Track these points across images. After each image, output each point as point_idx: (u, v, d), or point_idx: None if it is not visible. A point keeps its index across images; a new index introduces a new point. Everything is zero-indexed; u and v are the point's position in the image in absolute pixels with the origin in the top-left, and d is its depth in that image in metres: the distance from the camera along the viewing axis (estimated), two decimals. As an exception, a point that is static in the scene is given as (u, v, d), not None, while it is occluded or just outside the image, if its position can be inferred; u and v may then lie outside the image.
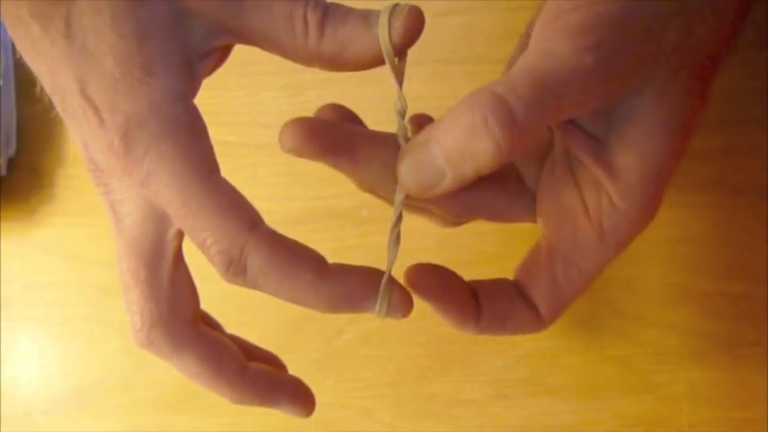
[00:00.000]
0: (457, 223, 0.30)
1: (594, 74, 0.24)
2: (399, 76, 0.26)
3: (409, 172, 0.25)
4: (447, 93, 0.41)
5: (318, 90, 0.42)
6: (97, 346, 0.42)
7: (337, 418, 0.41)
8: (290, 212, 0.42)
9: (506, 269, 0.40)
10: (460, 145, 0.24)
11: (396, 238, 0.27)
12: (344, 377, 0.41)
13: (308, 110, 0.43)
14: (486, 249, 0.40)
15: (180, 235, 0.26)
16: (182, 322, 0.26)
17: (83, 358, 0.42)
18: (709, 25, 0.25)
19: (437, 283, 0.28)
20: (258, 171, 0.42)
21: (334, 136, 0.25)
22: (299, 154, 0.25)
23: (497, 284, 0.29)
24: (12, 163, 0.43)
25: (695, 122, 0.26)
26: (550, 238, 0.28)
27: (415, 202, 0.27)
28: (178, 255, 0.26)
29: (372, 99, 0.40)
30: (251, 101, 0.43)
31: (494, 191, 0.28)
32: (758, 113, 0.40)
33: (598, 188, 0.26)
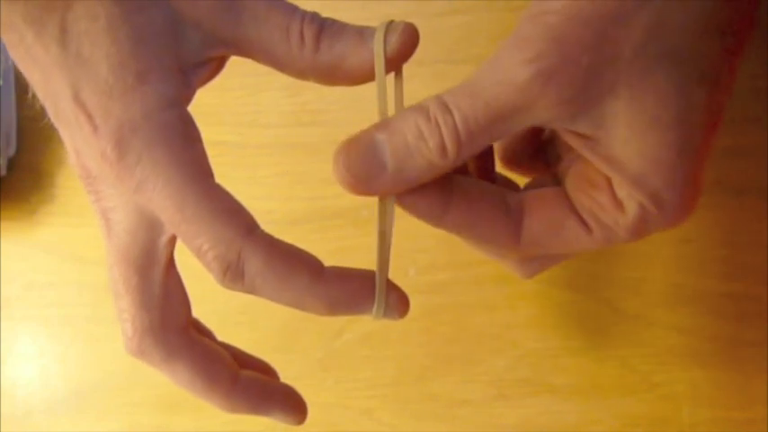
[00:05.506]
0: (529, 270, 0.30)
1: (533, 88, 0.23)
2: (398, 90, 0.26)
3: (349, 161, 0.25)
4: (447, 93, 0.41)
5: (319, 90, 0.42)
6: (97, 346, 0.42)
7: (337, 418, 0.41)
8: (290, 212, 0.42)
9: (506, 269, 0.40)
10: (408, 139, 0.25)
11: (382, 236, 0.26)
12: (344, 377, 0.41)
13: (309, 110, 0.43)
14: (486, 249, 0.40)
15: (172, 242, 0.26)
16: (173, 330, 0.26)
17: (83, 358, 0.42)
18: (692, 10, 0.24)
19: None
20: (258, 171, 0.42)
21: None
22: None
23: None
24: (12, 163, 0.43)
25: (707, 108, 0.24)
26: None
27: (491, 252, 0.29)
28: (170, 262, 0.26)
29: (373, 99, 0.40)
30: (251, 101, 0.43)
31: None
32: (758, 113, 0.40)
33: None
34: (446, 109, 0.24)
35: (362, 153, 0.25)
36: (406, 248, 0.41)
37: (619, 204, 0.25)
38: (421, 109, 0.25)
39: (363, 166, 0.25)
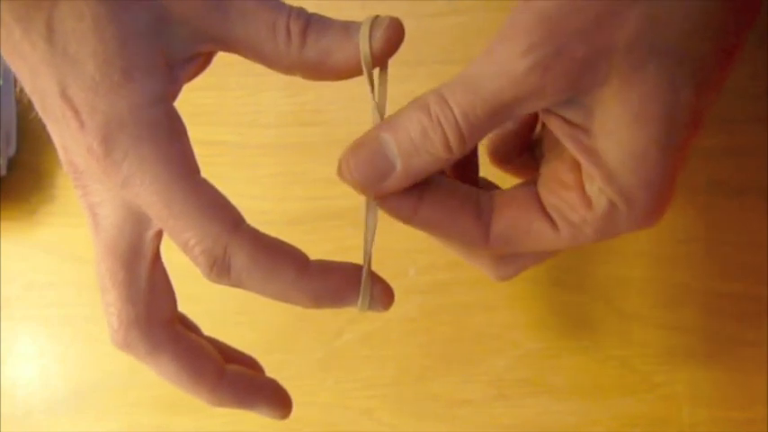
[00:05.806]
0: (505, 274, 0.30)
1: (529, 78, 0.24)
2: (382, 86, 0.27)
3: (359, 164, 0.26)
4: (447, 93, 0.41)
5: (318, 90, 0.42)
6: (97, 346, 0.42)
7: (337, 418, 0.41)
8: (288, 213, 0.42)
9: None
10: (413, 137, 0.25)
11: (367, 230, 0.27)
12: (344, 377, 0.41)
13: (308, 110, 0.43)
14: (486, 249, 0.40)
15: (158, 237, 0.26)
16: (158, 323, 0.27)
17: (83, 358, 0.42)
18: (688, 9, 0.24)
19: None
20: (258, 171, 0.42)
21: None
22: None
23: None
24: (12, 163, 0.43)
25: (694, 107, 0.25)
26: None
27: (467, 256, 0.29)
28: (156, 256, 0.27)
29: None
30: (251, 101, 0.42)
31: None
32: (758, 113, 0.40)
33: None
34: (446, 105, 0.25)
35: (371, 155, 0.26)
36: (405, 248, 0.41)
37: (587, 202, 0.26)
38: (422, 105, 0.25)
39: (373, 167, 0.26)
